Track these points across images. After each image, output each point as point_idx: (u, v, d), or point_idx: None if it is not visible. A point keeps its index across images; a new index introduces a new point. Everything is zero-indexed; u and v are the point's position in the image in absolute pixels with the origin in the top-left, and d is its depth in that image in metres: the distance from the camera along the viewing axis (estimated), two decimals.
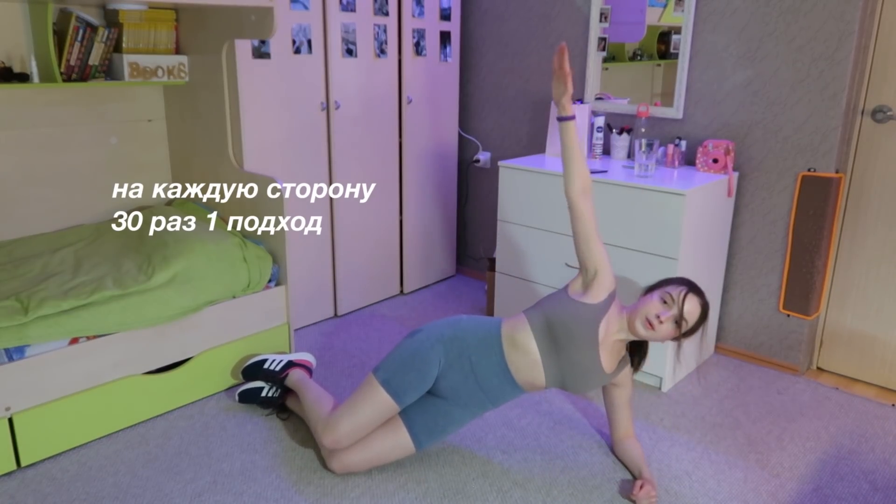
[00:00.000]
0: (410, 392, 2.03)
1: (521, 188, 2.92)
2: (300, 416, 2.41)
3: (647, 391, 2.69)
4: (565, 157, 1.99)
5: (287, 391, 2.46)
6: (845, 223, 2.75)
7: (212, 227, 2.67)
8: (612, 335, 2.00)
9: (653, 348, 2.62)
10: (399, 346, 2.10)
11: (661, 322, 1.93)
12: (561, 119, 1.99)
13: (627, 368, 2.14)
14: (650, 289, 2.04)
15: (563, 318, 1.96)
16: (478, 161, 3.76)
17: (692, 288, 1.97)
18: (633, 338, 2.02)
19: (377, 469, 2.16)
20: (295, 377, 2.40)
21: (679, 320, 1.93)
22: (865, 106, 2.63)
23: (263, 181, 2.65)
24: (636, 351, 2.16)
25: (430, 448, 2.28)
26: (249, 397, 2.46)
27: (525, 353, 2.01)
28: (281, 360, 2.47)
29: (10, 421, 2.07)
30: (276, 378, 2.43)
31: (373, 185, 3.33)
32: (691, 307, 1.94)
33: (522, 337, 2.01)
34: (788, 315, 2.84)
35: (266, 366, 2.45)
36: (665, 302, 1.95)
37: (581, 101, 3.14)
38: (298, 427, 2.39)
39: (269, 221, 2.68)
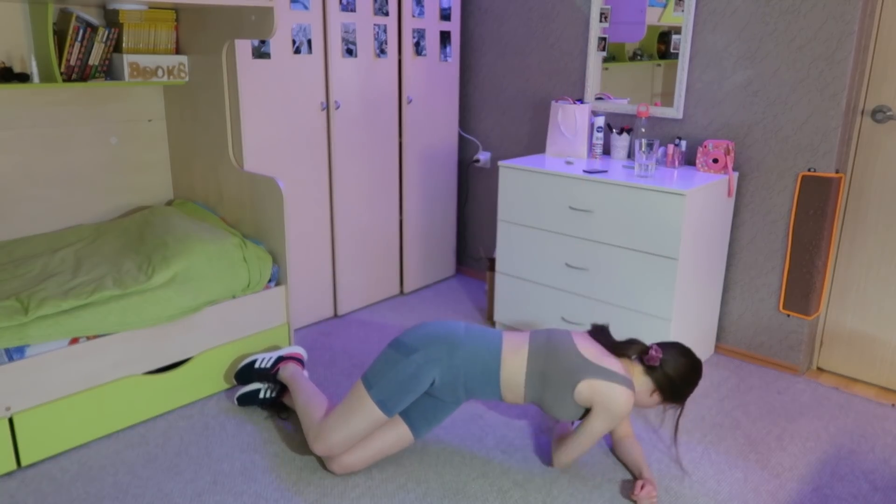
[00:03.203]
0: (402, 407, 2.06)
1: (521, 188, 2.92)
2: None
3: None
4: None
5: (283, 388, 2.46)
6: (845, 223, 2.75)
7: (212, 227, 2.67)
8: None
9: None
10: (392, 362, 2.03)
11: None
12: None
13: None
14: (661, 385, 2.06)
15: (556, 407, 2.05)
16: (478, 161, 3.76)
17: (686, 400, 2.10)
18: None
19: (377, 469, 2.16)
20: (287, 371, 2.41)
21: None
22: (865, 106, 2.63)
23: (263, 181, 2.65)
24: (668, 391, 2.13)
25: (430, 449, 2.28)
26: (248, 400, 2.46)
27: (515, 396, 2.08)
28: (271, 357, 2.47)
29: (11, 421, 2.07)
30: (269, 375, 2.44)
31: (373, 185, 3.33)
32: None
33: (516, 384, 2.05)
34: (788, 315, 2.84)
35: (257, 365, 2.45)
36: (664, 409, 2.12)
37: (581, 101, 3.14)
38: (298, 427, 2.39)
39: (269, 221, 2.68)
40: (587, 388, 1.98)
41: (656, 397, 2.08)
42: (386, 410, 2.02)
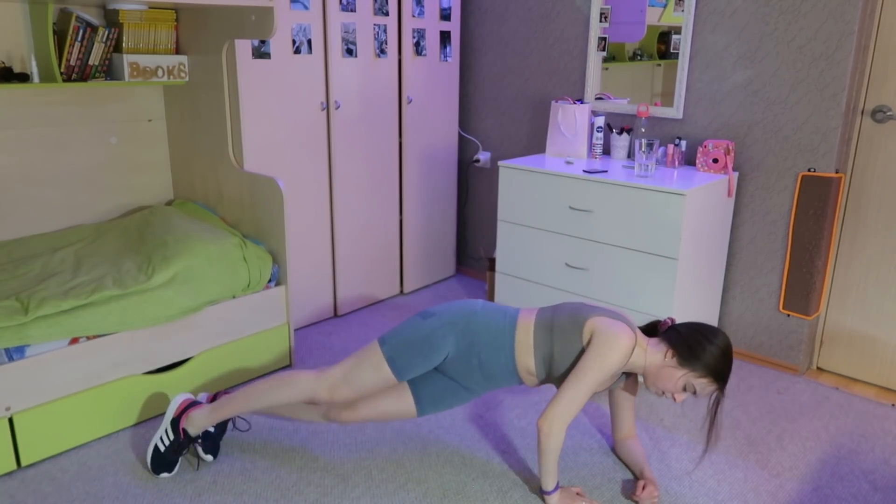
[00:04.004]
0: (413, 372, 2.03)
1: (521, 188, 2.92)
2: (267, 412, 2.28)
3: (648, 391, 2.69)
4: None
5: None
6: (845, 223, 2.75)
7: (212, 227, 2.67)
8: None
9: None
10: (410, 324, 2.04)
11: (675, 401, 1.93)
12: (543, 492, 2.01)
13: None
14: (680, 352, 1.89)
15: (567, 365, 1.98)
16: (478, 161, 3.76)
17: (721, 386, 1.89)
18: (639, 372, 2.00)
19: (377, 469, 2.16)
20: (200, 414, 2.14)
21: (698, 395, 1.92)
22: (865, 106, 2.63)
23: (263, 181, 2.65)
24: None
25: (431, 449, 2.28)
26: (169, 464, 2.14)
27: (529, 372, 2.04)
28: (165, 428, 2.14)
29: (10, 421, 2.07)
30: (181, 442, 2.13)
31: (373, 185, 3.33)
32: (713, 398, 1.93)
33: (527, 356, 2.01)
34: (788, 315, 2.84)
35: (162, 449, 2.12)
36: (686, 390, 1.90)
37: (581, 101, 3.14)
38: (298, 427, 2.39)
39: (269, 221, 2.68)
40: (591, 325, 1.92)
41: (672, 360, 1.89)
42: (395, 369, 2.00)
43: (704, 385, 1.88)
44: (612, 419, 2.23)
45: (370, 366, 2.02)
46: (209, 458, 2.17)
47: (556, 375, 2.01)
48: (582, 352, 1.94)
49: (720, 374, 1.87)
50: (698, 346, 1.87)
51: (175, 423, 2.12)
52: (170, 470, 2.11)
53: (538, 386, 2.09)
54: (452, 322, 2.02)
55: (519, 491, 2.08)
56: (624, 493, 2.08)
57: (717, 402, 1.92)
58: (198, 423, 2.12)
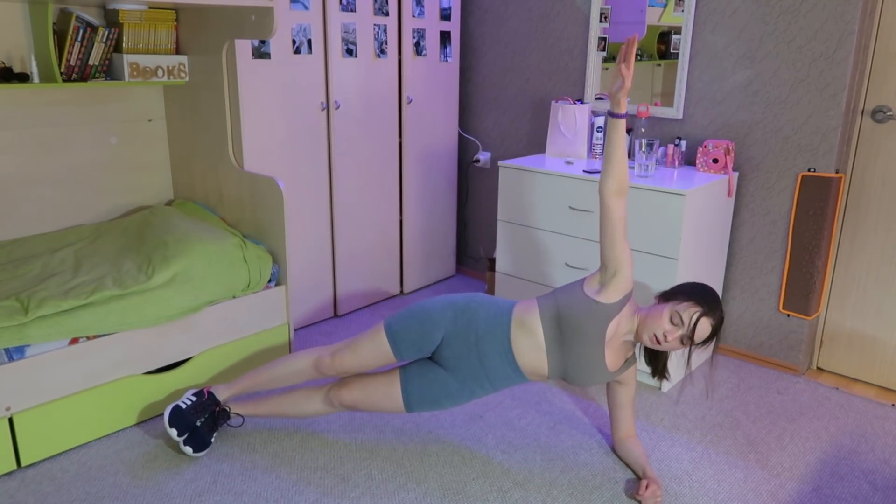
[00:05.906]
0: (407, 344, 2.08)
1: (521, 188, 2.92)
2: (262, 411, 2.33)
3: (648, 391, 2.69)
4: (607, 154, 1.95)
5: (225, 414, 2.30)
6: (845, 223, 2.75)
7: (212, 227, 2.67)
8: (620, 335, 2.00)
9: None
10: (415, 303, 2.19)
11: (667, 340, 1.90)
12: (612, 115, 1.94)
13: (632, 368, 2.14)
14: (665, 296, 1.99)
15: (573, 313, 1.96)
16: (478, 161, 3.76)
17: (706, 309, 1.89)
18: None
19: (377, 469, 2.16)
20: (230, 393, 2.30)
21: (686, 339, 1.91)
22: (865, 106, 2.63)
23: (263, 181, 2.65)
24: (655, 358, 2.12)
25: (430, 449, 2.28)
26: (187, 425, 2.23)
27: (531, 337, 2.01)
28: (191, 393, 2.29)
29: (10, 421, 2.07)
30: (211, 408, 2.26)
31: (373, 185, 3.33)
32: (701, 330, 1.89)
33: (531, 321, 2.01)
34: (788, 315, 2.84)
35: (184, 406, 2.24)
36: (674, 322, 1.90)
37: (581, 101, 3.14)
38: (298, 427, 2.39)
39: (269, 221, 2.68)
40: (598, 274, 1.99)
41: (656, 302, 2.00)
42: (390, 336, 2.09)
43: (688, 308, 1.90)
44: (611, 418, 2.24)
45: (371, 332, 2.15)
46: (188, 450, 2.17)
47: (567, 334, 1.97)
48: (584, 298, 1.95)
49: (699, 294, 1.93)
50: (675, 286, 2.02)
51: (199, 393, 2.26)
52: (196, 446, 2.18)
53: (538, 372, 2.03)
54: (453, 300, 2.12)
55: (519, 491, 2.08)
56: (626, 492, 2.08)
57: (717, 331, 1.93)
58: (221, 393, 2.29)
